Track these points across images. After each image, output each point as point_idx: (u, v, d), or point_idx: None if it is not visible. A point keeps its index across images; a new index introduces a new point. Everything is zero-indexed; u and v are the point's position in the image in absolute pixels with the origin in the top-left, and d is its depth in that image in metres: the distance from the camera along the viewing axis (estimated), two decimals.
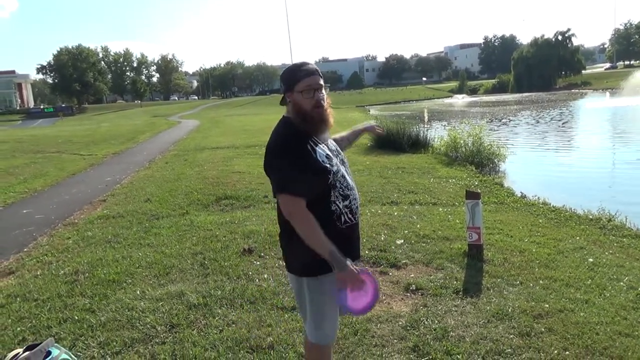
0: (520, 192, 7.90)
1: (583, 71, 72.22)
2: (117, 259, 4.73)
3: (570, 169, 11.45)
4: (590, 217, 6.19)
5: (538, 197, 7.43)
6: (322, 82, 2.07)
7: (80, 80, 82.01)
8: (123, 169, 11.40)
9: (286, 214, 2.03)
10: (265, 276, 4.09)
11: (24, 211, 7.54)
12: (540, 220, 5.96)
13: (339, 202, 2.08)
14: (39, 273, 4.55)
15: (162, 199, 7.43)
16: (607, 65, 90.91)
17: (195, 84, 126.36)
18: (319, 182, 2.02)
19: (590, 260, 4.38)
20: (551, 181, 10.00)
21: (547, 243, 4.92)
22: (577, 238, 5.16)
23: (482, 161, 10.95)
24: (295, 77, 2.04)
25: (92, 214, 6.89)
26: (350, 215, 2.12)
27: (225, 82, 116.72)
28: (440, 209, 6.37)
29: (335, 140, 2.39)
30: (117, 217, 6.56)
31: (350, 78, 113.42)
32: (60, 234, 5.99)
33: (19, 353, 1.57)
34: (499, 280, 3.91)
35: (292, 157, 1.99)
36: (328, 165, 2.05)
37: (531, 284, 3.82)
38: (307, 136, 2.06)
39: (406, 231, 5.24)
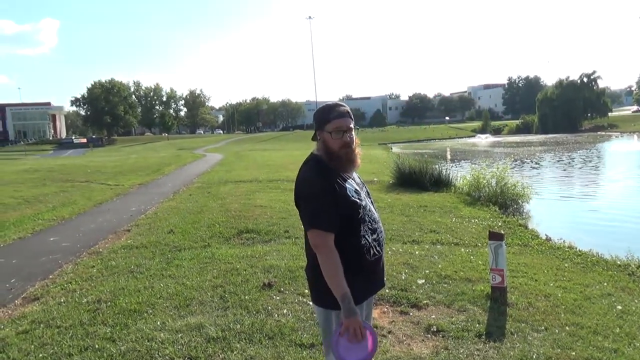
0: (545, 235, 7.74)
1: (609, 113, 71.37)
2: (139, 289, 4.77)
3: (598, 212, 11.18)
4: (619, 262, 6.01)
5: (564, 241, 7.26)
6: (352, 124, 2.15)
7: (111, 113, 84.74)
8: (148, 200, 11.60)
9: (313, 247, 2.08)
10: (285, 311, 4.07)
11: (51, 239, 7.71)
12: (566, 265, 5.82)
13: (368, 236, 2.14)
14: (62, 300, 4.62)
15: (185, 231, 7.51)
16: (635, 108, 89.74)
17: (221, 118, 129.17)
18: (349, 217, 2.08)
19: (619, 307, 4.24)
20: (577, 224, 9.79)
21: (573, 288, 4.78)
22: (605, 284, 5.00)
23: (506, 202, 10.81)
24: (326, 117, 2.13)
25: (117, 244, 7.00)
26: (378, 248, 2.19)
27: (250, 117, 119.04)
28: (463, 250, 6.28)
29: None
30: (141, 247, 6.63)
31: (374, 116, 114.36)
32: (85, 262, 6.10)
33: None
34: (523, 325, 3.81)
35: (322, 193, 2.05)
36: (358, 200, 2.12)
37: (557, 330, 3.71)
38: (337, 172, 2.13)
39: (427, 271, 5.17)
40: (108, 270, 5.58)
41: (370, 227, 2.16)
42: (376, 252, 2.17)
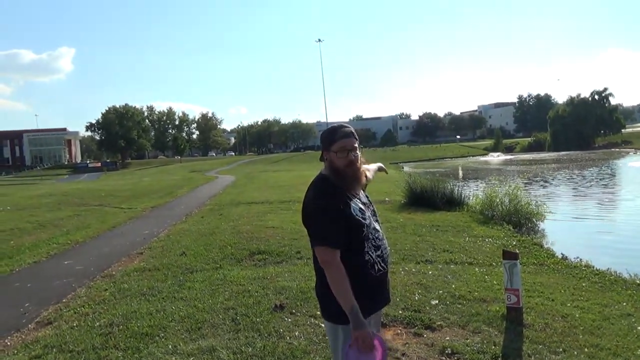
0: (561, 254, 7.60)
1: (623, 130, 70.78)
2: (151, 312, 4.77)
3: (615, 230, 11.00)
4: (638, 281, 5.86)
5: (580, 259, 7.12)
6: (356, 143, 2.27)
7: (125, 137, 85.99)
8: (161, 222, 11.66)
9: (321, 263, 2.17)
10: (297, 334, 4.03)
11: (65, 262, 7.77)
12: (584, 284, 5.69)
13: (372, 253, 2.24)
14: (75, 324, 4.63)
15: (197, 253, 7.51)
16: None
17: (232, 140, 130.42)
18: (353, 235, 2.18)
19: (639, 328, 4.13)
20: (594, 243, 9.61)
21: (591, 308, 4.67)
22: (624, 304, 4.88)
23: (520, 220, 10.67)
24: (332, 138, 2.25)
25: (129, 267, 7.03)
26: (382, 264, 2.28)
27: (261, 139, 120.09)
28: (477, 269, 6.19)
29: (367, 176, 2.57)
30: (153, 270, 6.65)
31: (384, 135, 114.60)
32: (97, 286, 6.12)
33: None
34: (540, 346, 3.72)
35: (328, 211, 2.15)
36: (361, 219, 2.22)
37: (575, 352, 3.61)
38: (342, 191, 2.23)
39: (441, 291, 5.10)
40: (121, 294, 5.59)
41: (374, 244, 2.25)
42: (380, 268, 2.26)
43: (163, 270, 6.58)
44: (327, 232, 2.13)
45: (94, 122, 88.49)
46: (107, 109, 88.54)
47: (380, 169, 3.07)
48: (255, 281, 5.68)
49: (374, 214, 2.37)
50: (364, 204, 2.31)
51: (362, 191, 2.41)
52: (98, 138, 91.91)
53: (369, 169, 2.85)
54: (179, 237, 9.27)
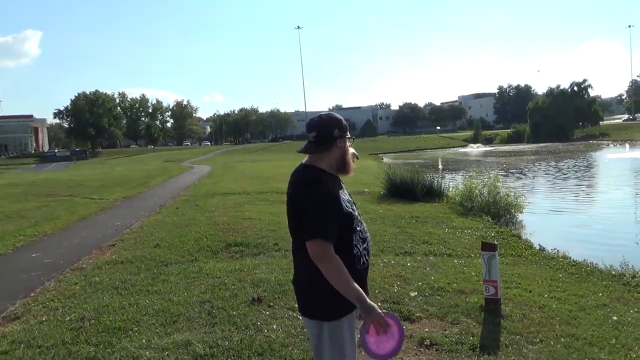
0: (539, 245, 7.79)
1: (601, 122, 72.52)
2: (123, 305, 4.71)
3: (592, 222, 11.30)
4: (613, 272, 6.06)
5: (557, 251, 7.31)
6: None
7: (95, 125, 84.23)
8: (133, 214, 11.50)
9: (315, 258, 2.08)
10: (275, 327, 4.04)
11: (33, 255, 7.60)
12: (560, 275, 5.85)
13: (360, 245, 2.22)
14: (44, 319, 4.54)
15: (172, 245, 7.45)
16: (625, 116, 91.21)
17: (208, 129, 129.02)
18: (345, 226, 2.16)
19: (615, 318, 4.27)
20: (571, 234, 9.87)
21: (568, 299, 4.81)
22: (600, 294, 5.04)
23: (499, 212, 10.88)
24: (346, 127, 2.28)
25: (101, 259, 6.92)
26: (367, 257, 2.27)
27: (238, 128, 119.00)
28: (456, 261, 6.30)
29: None
30: (126, 262, 6.56)
31: (364, 126, 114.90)
32: (67, 279, 6.01)
33: None
34: (517, 337, 3.82)
35: (327, 204, 2.12)
36: (352, 210, 2.20)
37: (552, 342, 3.72)
38: (333, 181, 2.22)
39: (420, 283, 5.17)
40: (92, 287, 5.50)
41: (361, 236, 2.23)
42: (365, 261, 2.25)
43: (136, 262, 6.50)
44: (326, 223, 2.07)
45: (62, 109, 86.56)
46: (77, 95, 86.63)
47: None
48: (231, 274, 5.66)
49: (354, 204, 2.35)
50: (347, 194, 2.30)
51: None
52: (67, 126, 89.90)
53: None
54: (153, 228, 9.16)
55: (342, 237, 2.14)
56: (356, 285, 2.07)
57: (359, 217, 2.26)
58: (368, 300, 2.08)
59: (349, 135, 2.28)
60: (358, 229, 2.22)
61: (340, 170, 2.27)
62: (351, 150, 2.33)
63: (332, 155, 2.23)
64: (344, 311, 2.14)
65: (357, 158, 2.82)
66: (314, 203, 2.11)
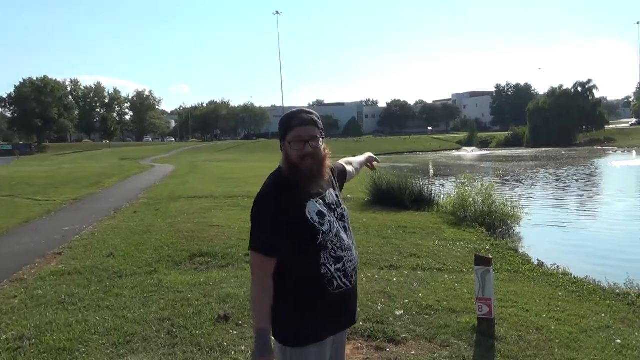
0: (537, 260, 7.91)
1: (606, 126, 74.14)
2: (70, 323, 4.64)
3: (594, 236, 11.52)
4: (617, 291, 6.18)
5: (557, 266, 7.44)
6: (317, 133, 2.16)
7: (43, 116, 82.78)
8: (84, 218, 11.35)
9: (251, 270, 2.13)
10: (243, 348, 4.02)
11: None
12: (560, 293, 5.95)
13: (330, 266, 2.13)
14: None
15: (128, 254, 7.37)
16: (633, 120, 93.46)
17: (173, 124, 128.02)
18: (305, 242, 2.09)
19: (618, 341, 4.34)
20: (572, 248, 10.04)
21: (568, 320, 4.89)
22: (603, 315, 5.13)
23: (494, 222, 11.02)
24: (288, 125, 2.16)
25: (45, 269, 6.80)
26: (344, 280, 2.16)
27: (207, 124, 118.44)
28: (446, 276, 6.35)
29: (346, 169, 2.55)
30: (74, 273, 6.48)
31: (348, 124, 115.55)
32: (5, 292, 5.89)
33: None
34: None
35: (271, 211, 2.08)
36: (317, 224, 2.11)
37: None
38: (298, 189, 2.13)
39: (407, 300, 5.20)
40: (33, 301, 5.40)
41: (333, 254, 2.15)
42: (342, 285, 2.15)
43: (86, 274, 6.42)
44: (262, 235, 2.07)
45: (4, 96, 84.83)
46: (22, 81, 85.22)
47: (369, 162, 2.89)
48: (195, 288, 5.63)
49: (341, 218, 2.25)
50: (328, 205, 2.21)
51: (332, 190, 2.30)
52: (9, 115, 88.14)
53: (353, 161, 2.74)
54: (106, 235, 9.06)
55: (303, 253, 2.10)
56: (265, 319, 2.05)
57: (335, 231, 2.17)
58: (267, 341, 2.05)
59: (296, 135, 2.13)
60: (329, 246, 2.13)
61: (292, 177, 2.14)
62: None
63: (282, 158, 2.20)
64: (310, 338, 2.10)
65: (372, 167, 2.75)
66: (255, 207, 2.13)
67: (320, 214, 2.15)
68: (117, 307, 5.07)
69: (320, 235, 2.11)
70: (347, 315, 2.25)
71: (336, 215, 2.22)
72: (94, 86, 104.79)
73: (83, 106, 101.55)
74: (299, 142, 2.12)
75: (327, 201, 2.22)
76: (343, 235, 2.21)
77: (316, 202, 2.17)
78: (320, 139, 2.18)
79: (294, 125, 2.14)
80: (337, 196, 2.31)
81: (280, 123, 2.21)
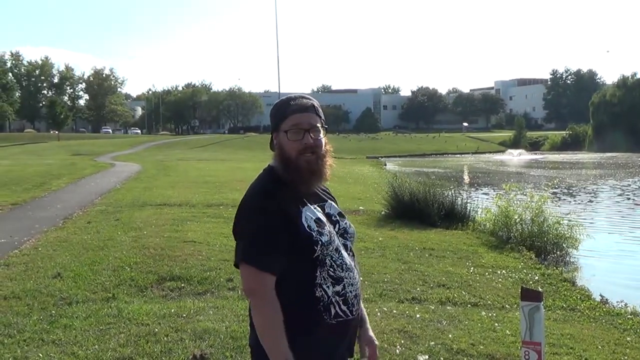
0: (600, 295, 7.90)
1: None
2: None
3: None
4: None
5: (625, 304, 7.43)
6: (317, 122, 2.20)
7: None
8: (25, 228, 11.38)
9: (246, 291, 2.13)
10: None
11: None
12: (629, 339, 5.94)
13: (327, 287, 2.14)
14: None
15: (79, 275, 7.40)
16: None
17: (139, 111, 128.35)
18: (298, 256, 2.11)
19: None
20: None
21: None
22: None
23: (546, 246, 11.01)
24: (283, 112, 2.19)
25: None
26: (343, 307, 2.17)
27: (182, 112, 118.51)
28: (483, 313, 6.35)
29: None
30: (11, 298, 6.50)
31: (361, 117, 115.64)
32: None
33: None
34: None
35: (265, 217, 2.09)
36: (314, 233, 2.13)
37: None
38: (293, 191, 2.17)
39: (432, 342, 5.21)
40: None
41: (332, 274, 2.16)
42: (340, 312, 2.16)
43: (26, 299, 6.44)
44: (257, 246, 2.07)
45: None
46: None
47: (367, 344, 2.52)
48: (165, 320, 5.65)
49: (343, 234, 2.29)
50: (328, 215, 2.24)
51: (334, 202, 2.35)
52: None
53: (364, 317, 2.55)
54: (53, 250, 9.09)
55: (296, 269, 2.11)
56: (286, 345, 2.01)
57: (336, 245, 2.20)
58: None
59: (294, 123, 2.15)
60: (327, 262, 2.15)
61: (286, 176, 2.17)
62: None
63: (275, 153, 2.24)
64: None
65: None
66: (245, 214, 2.16)
67: (318, 221, 2.17)
68: (65, 341, 5.08)
69: (318, 247, 2.12)
70: (343, 348, 2.26)
71: (337, 229, 2.26)
72: (40, 61, 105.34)
73: (26, 86, 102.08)
74: (297, 131, 2.15)
75: (326, 210, 2.26)
76: (344, 251, 2.24)
77: (314, 208, 2.20)
78: (322, 131, 2.21)
79: (291, 112, 2.17)
80: (337, 207, 2.35)
81: (273, 111, 2.24)
